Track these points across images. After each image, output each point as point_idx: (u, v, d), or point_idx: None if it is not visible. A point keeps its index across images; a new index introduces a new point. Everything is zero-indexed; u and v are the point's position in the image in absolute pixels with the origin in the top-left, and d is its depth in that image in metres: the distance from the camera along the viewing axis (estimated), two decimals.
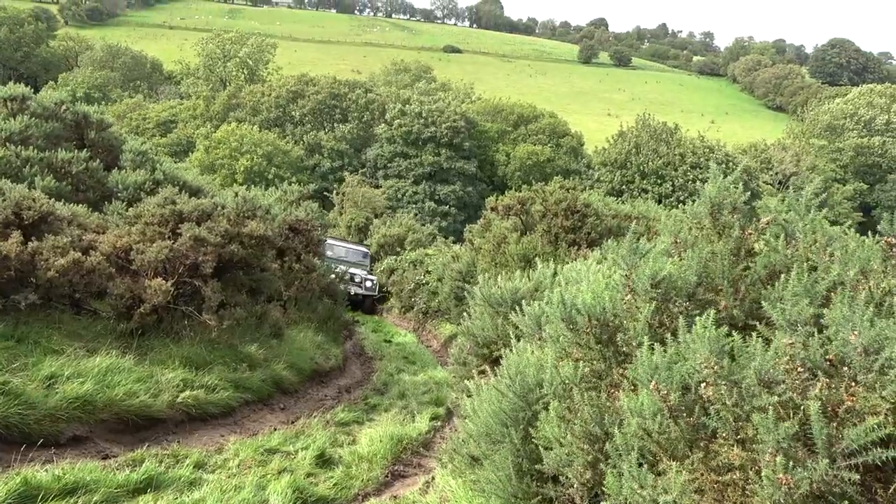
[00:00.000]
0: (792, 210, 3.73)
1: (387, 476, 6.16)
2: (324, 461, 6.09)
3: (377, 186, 40.54)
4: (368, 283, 19.87)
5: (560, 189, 10.48)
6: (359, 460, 6.31)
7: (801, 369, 2.44)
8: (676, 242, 3.87)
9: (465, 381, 4.94)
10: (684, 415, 2.54)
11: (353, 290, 18.76)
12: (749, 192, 4.37)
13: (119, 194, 11.13)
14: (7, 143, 10.62)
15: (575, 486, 3.46)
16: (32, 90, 12.62)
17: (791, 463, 2.17)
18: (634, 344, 3.33)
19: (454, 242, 23.17)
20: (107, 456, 5.34)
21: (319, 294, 12.06)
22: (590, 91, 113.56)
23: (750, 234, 3.70)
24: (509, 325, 5.45)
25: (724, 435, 2.50)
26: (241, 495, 4.88)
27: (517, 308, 5.23)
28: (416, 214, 38.89)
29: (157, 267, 7.45)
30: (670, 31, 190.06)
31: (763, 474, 2.19)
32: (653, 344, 2.81)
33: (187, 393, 6.64)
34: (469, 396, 4.56)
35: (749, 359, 2.56)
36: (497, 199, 11.84)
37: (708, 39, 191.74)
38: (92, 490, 4.42)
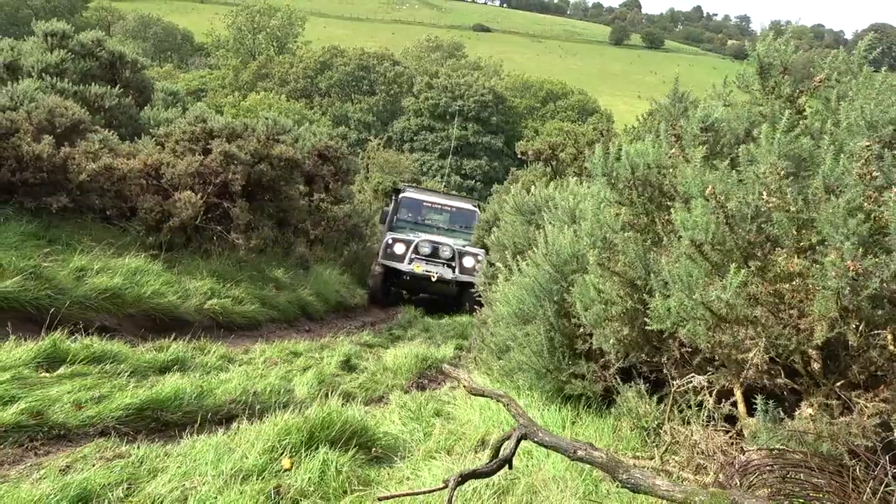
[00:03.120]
0: (845, 66, 3.55)
1: (411, 385, 6.10)
2: (349, 367, 6.07)
3: None
4: (468, 262, 10.96)
5: (593, 130, 10.26)
6: (383, 370, 6.27)
7: (876, 173, 2.28)
8: (727, 105, 3.71)
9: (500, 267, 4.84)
10: (742, 223, 2.40)
11: (436, 272, 10.84)
12: None
13: (151, 130, 11.19)
14: (43, 75, 10.72)
15: (611, 341, 3.34)
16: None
17: (861, 251, 2.03)
18: (683, 190, 3.19)
19: None
20: (135, 345, 5.35)
21: (346, 238, 12.05)
22: (620, 73, 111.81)
23: (801, 92, 3.53)
24: (540, 233, 5.33)
25: (785, 243, 2.36)
26: (267, 381, 4.86)
27: (549, 205, 5.11)
28: (443, 187, 38.80)
29: (187, 182, 7.45)
30: (705, 14, 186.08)
31: (827, 261, 2.05)
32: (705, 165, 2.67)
33: (214, 301, 6.65)
34: (505, 280, 4.46)
35: (817, 164, 2.41)
36: (527, 143, 11.65)
37: (744, 23, 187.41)
38: (119, 361, 4.43)
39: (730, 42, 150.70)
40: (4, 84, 9.59)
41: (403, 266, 10.92)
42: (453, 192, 16.14)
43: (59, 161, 6.57)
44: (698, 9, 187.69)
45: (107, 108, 11.06)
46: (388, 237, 11.30)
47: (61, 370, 4.06)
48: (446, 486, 1.84)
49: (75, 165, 6.59)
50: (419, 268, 10.89)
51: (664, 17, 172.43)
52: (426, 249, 11.02)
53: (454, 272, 10.95)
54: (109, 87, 11.37)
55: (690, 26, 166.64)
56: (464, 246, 11.42)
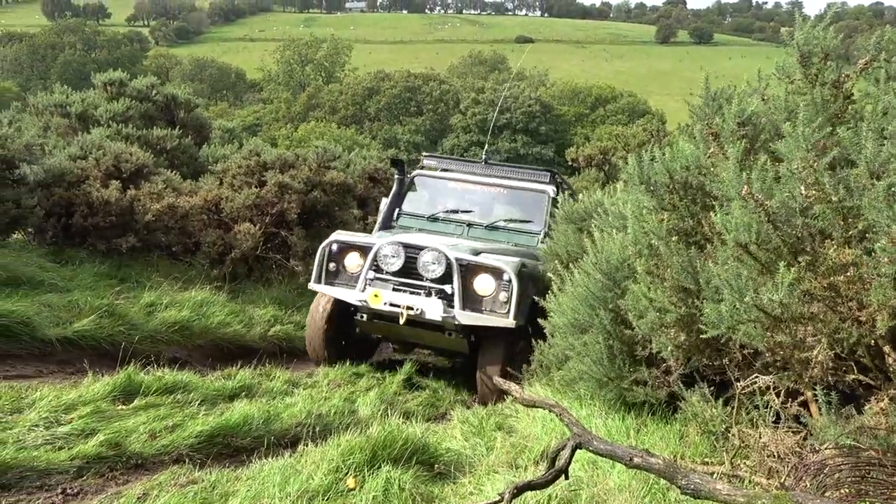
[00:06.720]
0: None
1: (474, 400, 6.11)
2: (411, 385, 6.12)
3: None
4: (484, 285, 5.48)
5: (643, 132, 10.11)
6: (445, 387, 6.30)
7: None
8: (764, 99, 3.61)
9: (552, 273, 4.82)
10: (785, 220, 2.33)
11: (408, 305, 5.37)
12: None
13: (210, 167, 11.67)
14: (110, 122, 11.37)
15: (669, 349, 3.27)
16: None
17: None
18: (721, 192, 3.13)
19: None
20: (204, 374, 5.55)
21: None
22: (670, 71, 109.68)
23: (847, 76, 3.40)
24: (590, 240, 5.27)
25: (833, 235, 2.28)
26: (331, 403, 4.96)
27: (599, 211, 5.06)
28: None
29: (245, 214, 7.72)
30: (754, 4, 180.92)
31: (878, 246, 1.97)
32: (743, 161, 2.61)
33: (278, 327, 6.83)
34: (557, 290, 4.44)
35: (858, 150, 2.33)
36: (577, 150, 11.56)
37: (796, 9, 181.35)
38: (190, 390, 4.60)
39: (783, 29, 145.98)
40: (76, 134, 10.23)
41: (353, 295, 5.66)
42: (509, 163, 8.31)
43: (126, 204, 6.93)
44: None
45: (168, 149, 11.63)
46: (331, 240, 5.94)
47: (136, 402, 4.25)
48: (502, 499, 1.84)
49: (141, 207, 6.93)
50: (377, 298, 5.50)
51: (711, 11, 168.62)
52: (395, 261, 5.62)
53: (449, 304, 5.45)
54: (170, 129, 11.98)
55: (739, 17, 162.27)
56: (476, 253, 5.69)
